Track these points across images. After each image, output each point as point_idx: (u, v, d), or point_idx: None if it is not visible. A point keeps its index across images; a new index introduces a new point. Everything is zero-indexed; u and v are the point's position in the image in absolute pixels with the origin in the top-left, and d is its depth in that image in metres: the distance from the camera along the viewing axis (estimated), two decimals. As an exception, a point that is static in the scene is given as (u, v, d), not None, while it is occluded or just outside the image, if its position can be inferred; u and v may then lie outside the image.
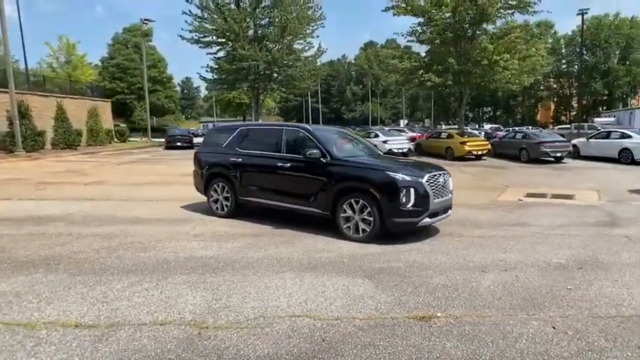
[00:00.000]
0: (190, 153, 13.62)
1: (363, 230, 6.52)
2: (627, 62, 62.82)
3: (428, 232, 7.06)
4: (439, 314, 3.86)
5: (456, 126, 71.43)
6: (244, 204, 8.17)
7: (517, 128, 34.19)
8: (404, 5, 24.30)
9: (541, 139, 19.18)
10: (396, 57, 25.11)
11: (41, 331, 3.51)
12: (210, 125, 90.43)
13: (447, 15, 22.07)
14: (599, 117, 47.29)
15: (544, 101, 75.70)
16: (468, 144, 20.92)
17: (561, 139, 20.01)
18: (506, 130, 32.90)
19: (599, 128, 33.21)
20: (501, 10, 21.28)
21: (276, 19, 28.93)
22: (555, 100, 74.72)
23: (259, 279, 4.84)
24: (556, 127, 39.76)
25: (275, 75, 30.42)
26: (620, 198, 10.92)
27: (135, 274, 5.00)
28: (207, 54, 32.54)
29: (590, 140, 20.11)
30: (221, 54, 31.91)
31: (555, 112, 76.48)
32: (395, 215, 6.27)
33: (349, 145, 7.99)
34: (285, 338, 3.42)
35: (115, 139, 36.80)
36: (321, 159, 6.96)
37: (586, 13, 29.66)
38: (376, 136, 24.27)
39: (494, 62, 21.15)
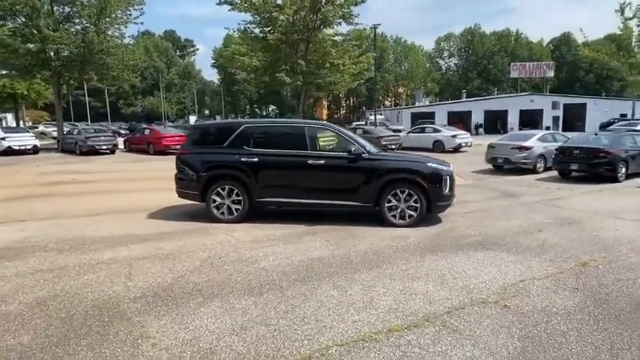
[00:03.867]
0: None
1: (410, 216, 7.42)
2: (381, 69, 77.77)
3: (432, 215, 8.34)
4: (586, 261, 5.36)
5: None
6: (259, 206, 7.83)
7: (357, 124, 38.12)
8: (239, 2, 24.54)
9: (380, 134, 22.97)
10: (244, 54, 25.15)
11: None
12: None
13: (289, 17, 23.55)
14: (371, 115, 57.46)
15: (320, 101, 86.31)
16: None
17: (394, 134, 24.38)
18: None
19: (387, 124, 40.95)
20: (334, 19, 24.09)
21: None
22: (329, 99, 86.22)
23: (424, 265, 5.33)
24: (353, 124, 46.64)
25: (88, 63, 25.91)
26: (476, 177, 14.69)
27: (308, 282, 4.74)
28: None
29: (409, 134, 25.15)
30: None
31: (329, 110, 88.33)
32: (439, 200, 7.43)
33: (363, 141, 8.57)
34: (565, 293, 4.31)
35: None
36: (363, 154, 7.48)
37: (377, 27, 36.07)
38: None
39: (336, 66, 23.98)
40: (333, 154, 7.63)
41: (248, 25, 26.66)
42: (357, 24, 25.71)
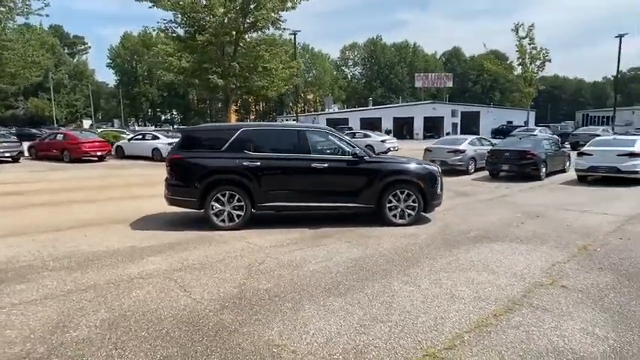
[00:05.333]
0: None
1: (409, 215, 7.86)
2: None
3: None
4: (583, 245, 6.26)
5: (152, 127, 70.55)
6: (260, 211, 7.70)
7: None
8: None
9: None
10: (171, 55, 23.69)
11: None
12: None
13: (219, 18, 22.88)
14: (285, 120, 57.99)
15: (230, 105, 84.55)
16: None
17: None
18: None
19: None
20: (265, 23, 23.93)
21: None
22: (238, 104, 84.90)
23: (460, 258, 5.78)
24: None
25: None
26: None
27: (374, 280, 4.91)
28: None
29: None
30: None
31: (238, 115, 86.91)
32: (433, 199, 8.00)
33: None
34: (596, 272, 5.03)
35: None
36: (365, 157, 7.77)
37: (297, 33, 36.55)
38: (155, 138, 22.61)
39: (269, 70, 23.86)
40: (337, 158, 7.78)
41: (169, 24, 25.33)
42: (284, 29, 25.97)
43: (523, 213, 8.97)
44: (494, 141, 19.67)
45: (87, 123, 74.86)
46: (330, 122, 50.17)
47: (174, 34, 25.64)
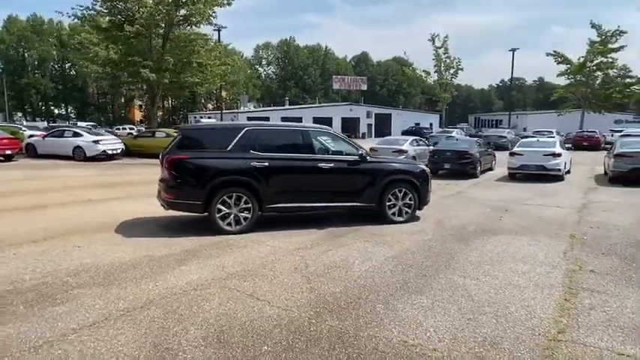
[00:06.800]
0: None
1: (406, 212, 8.24)
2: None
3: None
4: (571, 234, 7.14)
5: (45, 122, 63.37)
6: (267, 213, 7.52)
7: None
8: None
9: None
10: (96, 44, 21.34)
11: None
12: None
13: (149, 9, 21.29)
14: (205, 118, 55.82)
15: (135, 101, 78.79)
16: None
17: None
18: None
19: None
20: (202, 17, 22.77)
21: None
22: (146, 100, 79.43)
23: (484, 251, 6.26)
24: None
25: None
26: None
27: (430, 277, 5.15)
28: None
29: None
30: None
31: (144, 110, 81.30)
32: (426, 197, 8.48)
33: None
34: (604, 257, 5.80)
35: None
36: (367, 157, 7.97)
37: (222, 29, 35.42)
38: (76, 135, 20.38)
39: (204, 65, 22.76)
40: (342, 158, 7.87)
41: (86, 11, 22.91)
42: (215, 25, 25.05)
43: (491, 208, 9.86)
44: (429, 142, 21.11)
45: (-44, 117, 64.30)
46: (251, 120, 49.54)
47: (93, 23, 23.33)
